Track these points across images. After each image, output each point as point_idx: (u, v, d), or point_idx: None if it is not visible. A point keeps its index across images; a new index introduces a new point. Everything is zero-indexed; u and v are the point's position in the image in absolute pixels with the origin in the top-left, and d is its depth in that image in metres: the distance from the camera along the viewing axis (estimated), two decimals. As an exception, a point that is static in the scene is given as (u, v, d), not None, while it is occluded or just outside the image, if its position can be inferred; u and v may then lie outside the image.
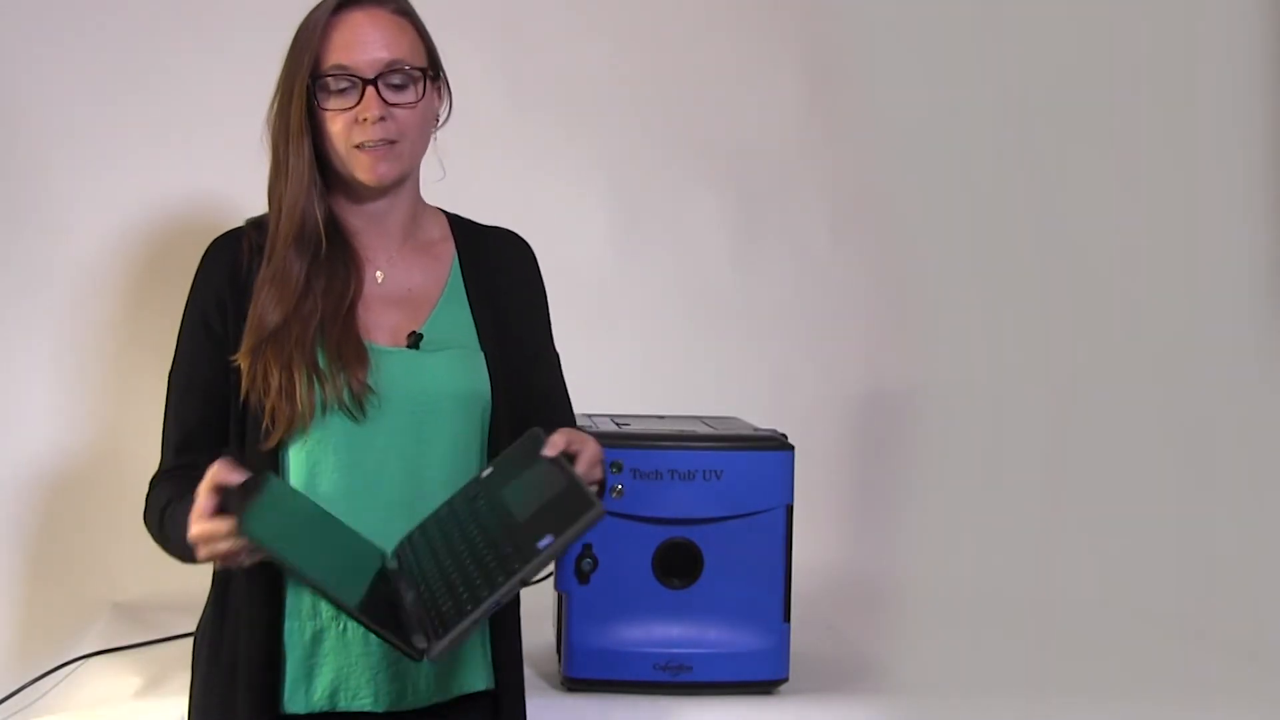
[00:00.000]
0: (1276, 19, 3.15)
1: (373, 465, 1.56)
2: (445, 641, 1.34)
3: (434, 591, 1.41)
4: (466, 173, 2.62)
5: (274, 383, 1.52)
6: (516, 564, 1.34)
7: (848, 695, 2.08)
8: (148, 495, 1.59)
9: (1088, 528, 2.89)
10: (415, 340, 1.60)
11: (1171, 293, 3.09)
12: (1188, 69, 3.12)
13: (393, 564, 1.50)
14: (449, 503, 1.52)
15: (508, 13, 2.84)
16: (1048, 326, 3.04)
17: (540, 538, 1.34)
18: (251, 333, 1.55)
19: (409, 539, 1.52)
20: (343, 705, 1.55)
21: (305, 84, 1.56)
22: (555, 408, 1.71)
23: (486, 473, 1.51)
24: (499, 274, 1.70)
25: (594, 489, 1.40)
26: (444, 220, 1.73)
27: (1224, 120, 3.13)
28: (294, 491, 1.52)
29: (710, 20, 3.00)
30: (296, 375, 1.52)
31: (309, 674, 1.55)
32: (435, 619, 1.37)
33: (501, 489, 1.47)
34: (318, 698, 1.54)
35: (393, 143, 1.57)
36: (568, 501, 1.37)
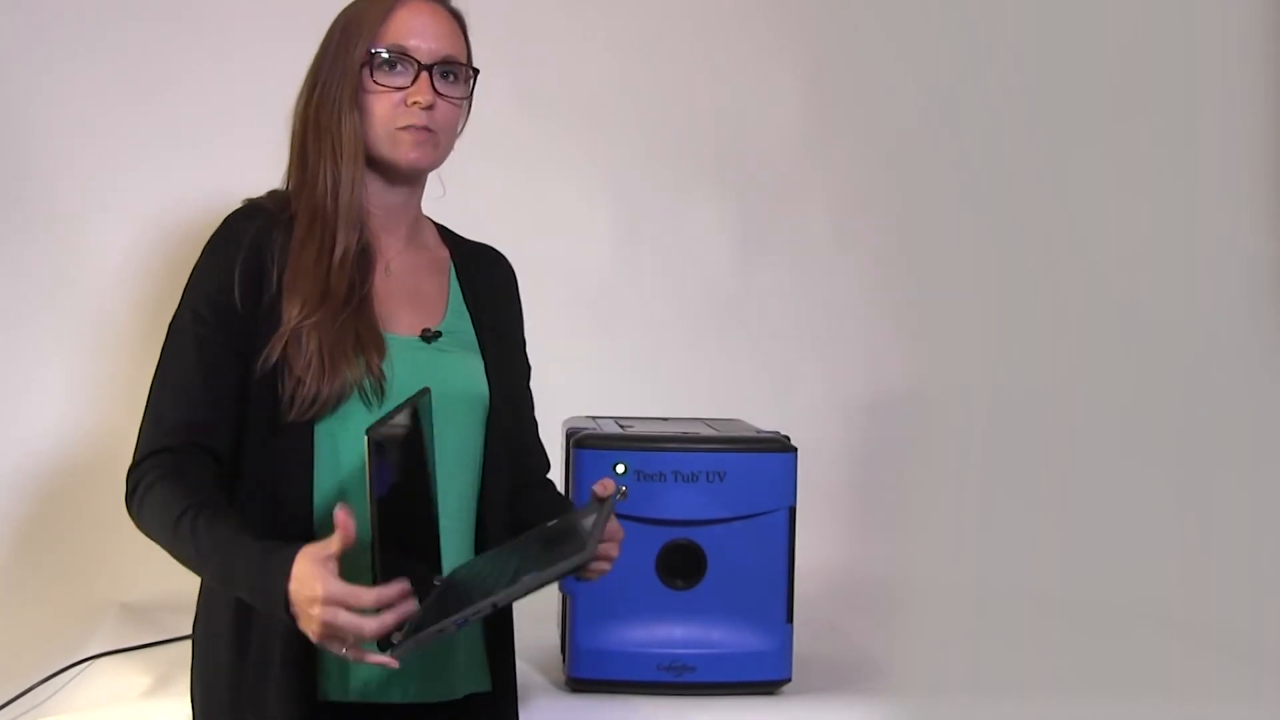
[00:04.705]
0: (1277, 19, 3.15)
1: None
2: (408, 644, 1.33)
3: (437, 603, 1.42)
4: (471, 177, 2.63)
5: (312, 360, 1.50)
6: (495, 589, 1.33)
7: (850, 695, 2.09)
8: (143, 476, 1.48)
9: (1089, 529, 2.90)
10: (432, 336, 1.62)
11: (1172, 295, 3.10)
12: (1188, 69, 3.13)
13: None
14: (524, 537, 1.54)
15: (512, 18, 2.85)
16: (1049, 329, 3.05)
17: (527, 571, 1.34)
18: (294, 307, 1.52)
19: (468, 563, 1.55)
20: (375, 697, 1.54)
21: (364, 58, 1.57)
22: (530, 419, 1.78)
23: (551, 524, 1.54)
24: (490, 287, 1.74)
25: (596, 540, 1.38)
26: (434, 229, 1.76)
27: (1224, 121, 3.14)
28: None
29: (713, 26, 3.01)
30: (337, 354, 1.51)
31: (345, 661, 1.48)
32: (414, 623, 1.37)
33: (545, 537, 1.49)
34: (354, 685, 1.53)
35: (431, 132, 1.59)
36: (566, 540, 1.37)
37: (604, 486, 1.53)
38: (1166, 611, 2.63)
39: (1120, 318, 3.08)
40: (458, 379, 1.62)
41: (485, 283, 1.73)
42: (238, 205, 1.62)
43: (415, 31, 1.59)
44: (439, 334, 1.63)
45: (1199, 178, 3.13)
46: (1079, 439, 3.00)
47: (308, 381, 1.49)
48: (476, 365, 1.65)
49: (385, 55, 1.57)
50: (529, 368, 1.79)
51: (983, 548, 2.82)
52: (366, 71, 1.57)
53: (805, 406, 2.89)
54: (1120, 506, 2.92)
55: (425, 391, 1.51)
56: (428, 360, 1.60)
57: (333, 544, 1.34)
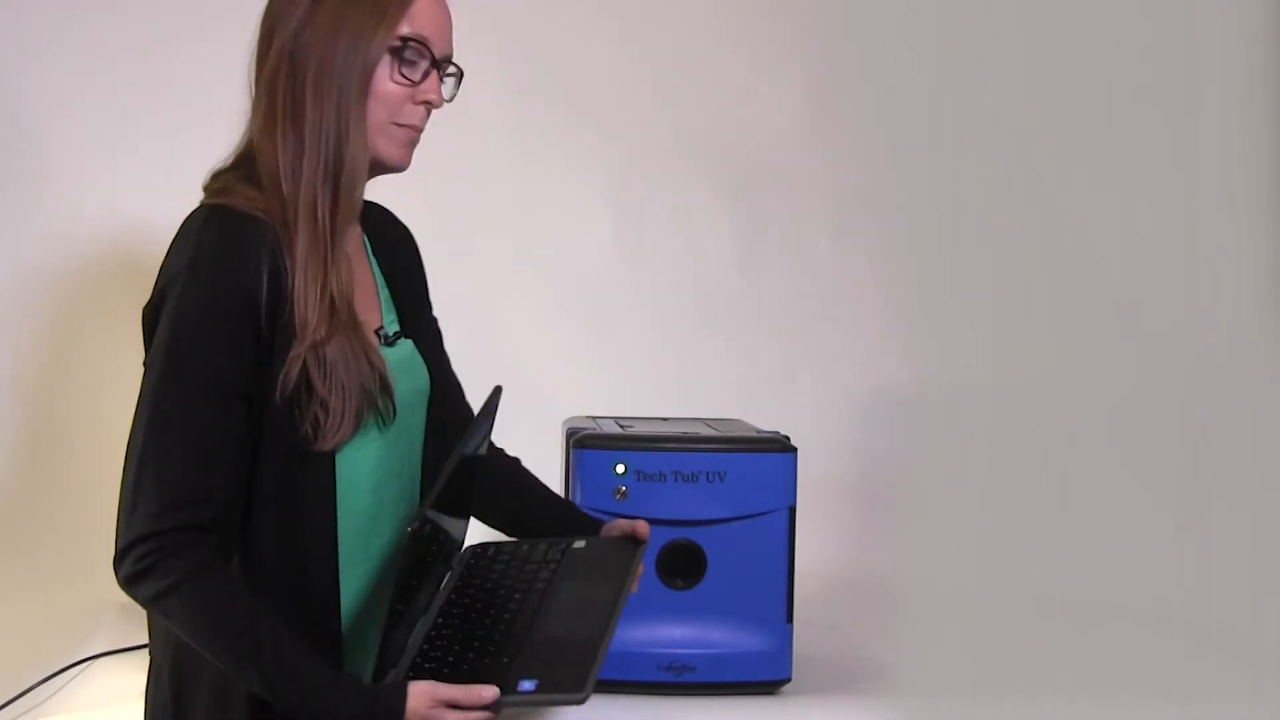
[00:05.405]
0: (1277, 19, 3.15)
1: (395, 471, 1.50)
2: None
3: (443, 633, 1.42)
4: (473, 175, 2.64)
5: (332, 378, 1.38)
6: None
7: (850, 695, 2.09)
8: (155, 563, 1.31)
9: (1090, 529, 2.89)
10: (393, 339, 1.54)
11: (1173, 294, 3.10)
12: (1188, 69, 3.13)
13: (456, 566, 1.52)
14: (531, 542, 1.54)
15: (512, 14, 2.85)
16: (1051, 328, 3.05)
17: (527, 679, 1.31)
18: (312, 320, 1.38)
19: (485, 550, 1.54)
20: None
21: (394, 44, 1.42)
22: (456, 384, 1.68)
23: (578, 545, 1.53)
24: (400, 259, 1.62)
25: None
26: None
27: (1225, 120, 3.14)
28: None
29: (715, 22, 3.01)
30: (353, 370, 1.40)
31: None
32: (397, 651, 1.38)
33: (572, 576, 1.48)
34: None
35: (419, 134, 1.49)
36: (571, 665, 1.33)
37: (641, 531, 1.51)
38: (1166, 611, 2.62)
39: (1120, 318, 3.08)
40: (416, 375, 1.55)
41: (395, 255, 1.61)
42: (202, 206, 1.43)
43: (435, 23, 1.45)
44: (399, 334, 1.54)
45: (1199, 177, 3.13)
46: (1079, 439, 3.00)
47: (332, 403, 1.38)
48: (416, 354, 1.57)
49: (406, 45, 1.43)
50: (439, 329, 1.67)
51: (983, 548, 2.82)
52: (392, 60, 1.43)
53: (805, 406, 2.89)
54: (1120, 506, 2.92)
55: (497, 391, 1.48)
56: (397, 363, 1.50)
57: (451, 693, 1.30)
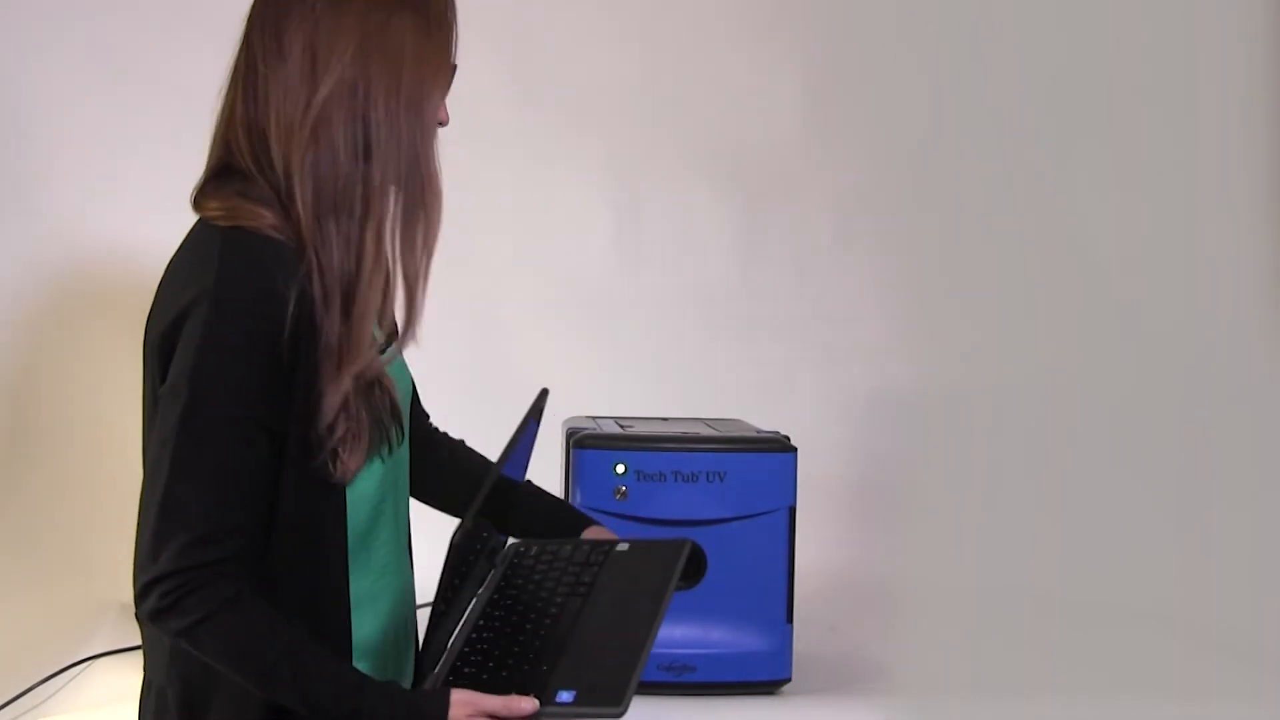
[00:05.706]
0: (1277, 19, 3.15)
1: (395, 480, 1.46)
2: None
3: (484, 636, 1.41)
4: (474, 175, 2.63)
5: (355, 408, 1.34)
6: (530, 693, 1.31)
7: (850, 695, 2.09)
8: (183, 594, 1.27)
9: (1090, 529, 2.90)
10: (381, 348, 1.45)
11: (1173, 294, 3.10)
12: (1188, 69, 3.14)
13: (499, 564, 1.51)
14: (574, 543, 1.52)
15: (514, 16, 2.85)
16: (1051, 328, 3.05)
17: (566, 689, 1.30)
18: (370, 349, 1.34)
19: (527, 549, 1.52)
20: None
21: (452, 70, 1.39)
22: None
23: (621, 548, 1.51)
24: None
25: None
26: None
27: (1225, 120, 3.14)
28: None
29: (715, 24, 3.02)
30: (363, 397, 1.35)
31: None
32: (437, 652, 1.38)
33: (614, 580, 1.46)
34: None
35: None
36: (610, 675, 1.31)
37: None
38: (1166, 611, 2.62)
39: (1121, 318, 3.08)
40: (405, 379, 1.51)
41: None
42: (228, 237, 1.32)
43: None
44: (388, 341, 1.47)
45: (1200, 177, 3.13)
46: (1079, 439, 3.00)
47: (350, 434, 1.33)
48: (402, 358, 1.50)
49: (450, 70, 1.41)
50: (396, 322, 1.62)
51: (983, 548, 2.82)
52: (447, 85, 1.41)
53: (806, 406, 2.89)
54: (1121, 506, 2.92)
55: (543, 394, 1.47)
56: (393, 372, 1.44)
57: (491, 704, 1.28)
